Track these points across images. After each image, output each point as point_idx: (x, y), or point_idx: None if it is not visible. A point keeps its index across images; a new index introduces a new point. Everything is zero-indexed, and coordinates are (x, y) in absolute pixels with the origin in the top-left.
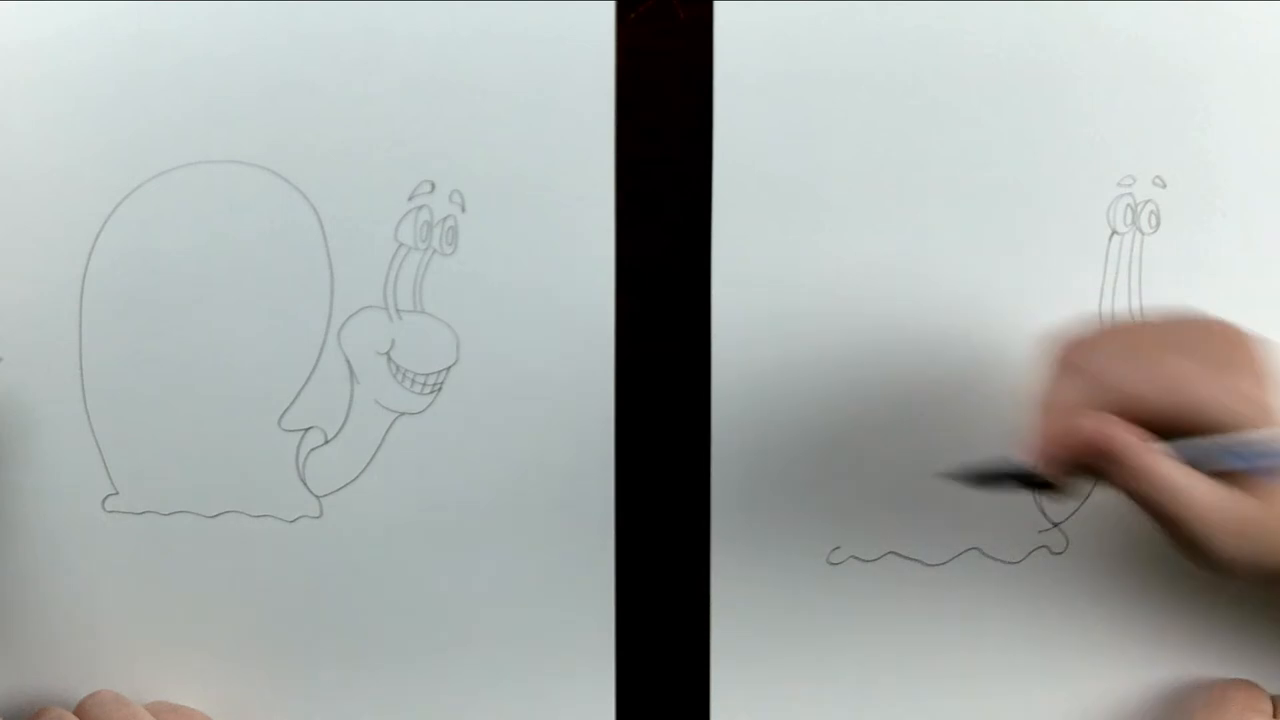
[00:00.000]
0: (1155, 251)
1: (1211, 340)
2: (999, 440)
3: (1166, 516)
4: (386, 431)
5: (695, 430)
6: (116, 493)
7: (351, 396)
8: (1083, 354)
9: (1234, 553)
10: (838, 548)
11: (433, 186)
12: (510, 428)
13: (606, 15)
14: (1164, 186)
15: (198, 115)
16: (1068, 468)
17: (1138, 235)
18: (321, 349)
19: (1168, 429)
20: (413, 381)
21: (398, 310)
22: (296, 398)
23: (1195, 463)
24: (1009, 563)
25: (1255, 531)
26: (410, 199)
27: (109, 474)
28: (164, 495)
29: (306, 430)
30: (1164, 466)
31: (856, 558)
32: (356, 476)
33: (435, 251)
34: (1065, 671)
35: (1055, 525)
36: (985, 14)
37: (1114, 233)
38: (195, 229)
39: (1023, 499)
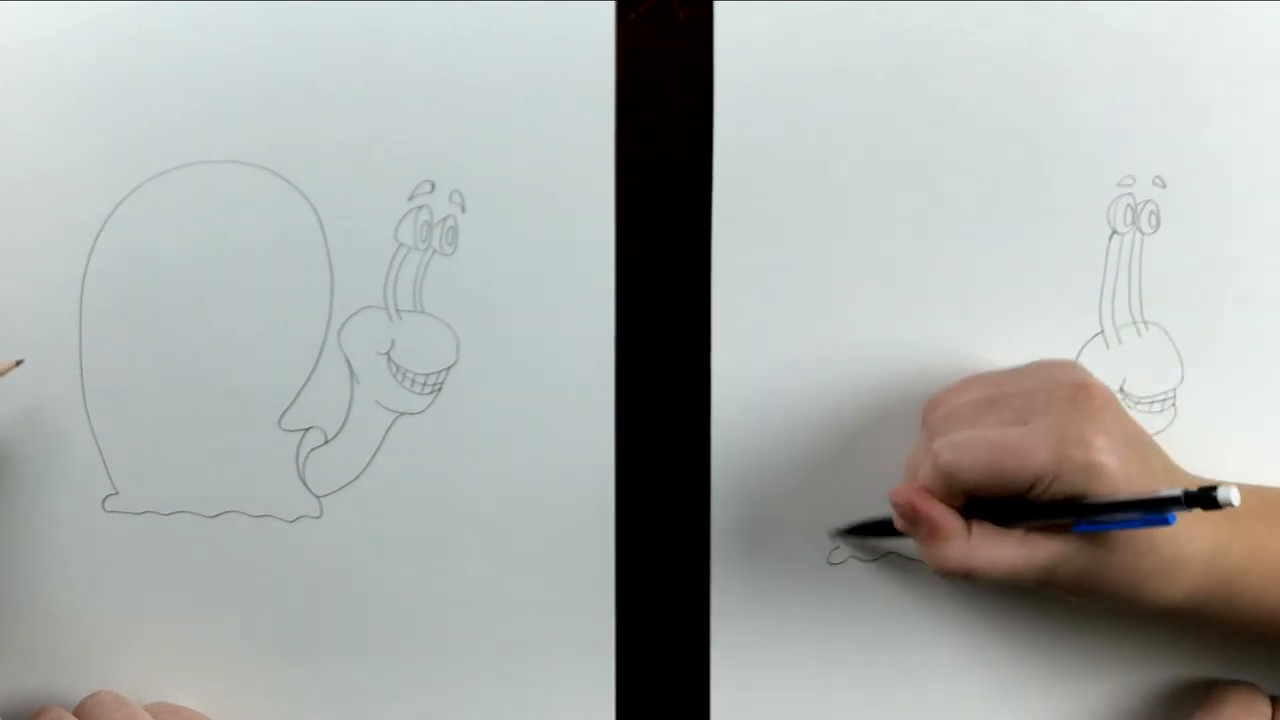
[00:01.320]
0: (1155, 251)
1: (1053, 399)
2: None
3: (974, 585)
4: (386, 431)
5: (695, 430)
6: (116, 493)
7: (351, 396)
8: (930, 414)
9: (1080, 605)
10: (838, 548)
11: (433, 186)
12: (510, 428)
13: (606, 15)
14: (1164, 186)
15: (198, 115)
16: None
17: (1138, 235)
18: (321, 349)
19: (999, 493)
20: (413, 381)
21: (398, 310)
22: (296, 398)
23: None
24: None
25: (1090, 583)
26: (410, 199)
27: (109, 474)
28: (164, 495)
29: (306, 430)
30: (952, 548)
31: (856, 558)
32: (356, 476)
33: (435, 251)
34: (1065, 671)
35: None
36: (985, 14)
37: (1114, 233)
38: (195, 229)
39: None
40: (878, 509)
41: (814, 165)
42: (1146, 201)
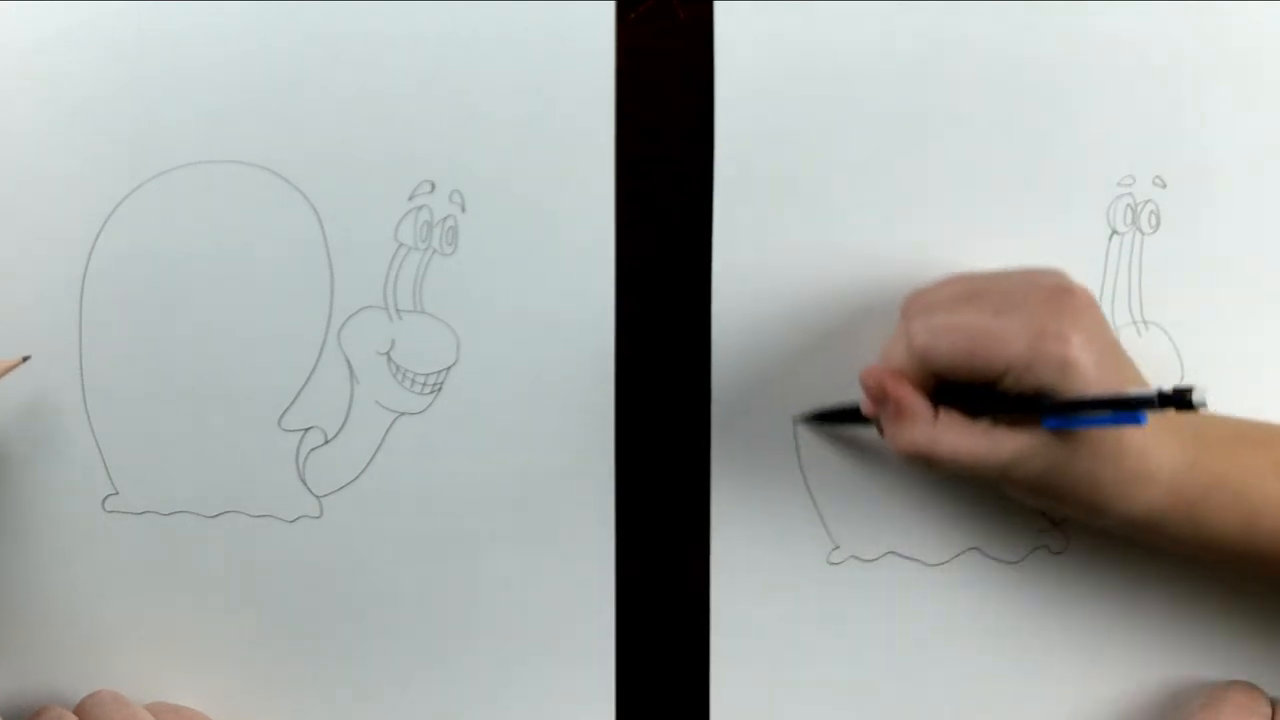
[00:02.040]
0: (1155, 251)
1: (1033, 297)
2: None
3: (936, 471)
4: (386, 431)
5: (695, 430)
6: (116, 493)
7: (351, 396)
8: (911, 304)
9: (1037, 506)
10: (838, 548)
11: (433, 186)
12: (510, 428)
13: (606, 15)
14: (1164, 186)
15: (198, 115)
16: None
17: (1138, 235)
18: (321, 349)
19: (971, 379)
20: (413, 381)
21: (398, 310)
22: (296, 398)
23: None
24: (1009, 563)
25: (1051, 484)
26: (410, 199)
27: (109, 474)
28: (164, 495)
29: (306, 430)
30: (917, 430)
31: (856, 558)
32: (356, 476)
33: (435, 251)
34: (1065, 671)
35: (1055, 525)
36: (985, 14)
37: (1114, 233)
38: (195, 229)
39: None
40: (878, 508)
41: (814, 165)
42: (1146, 201)
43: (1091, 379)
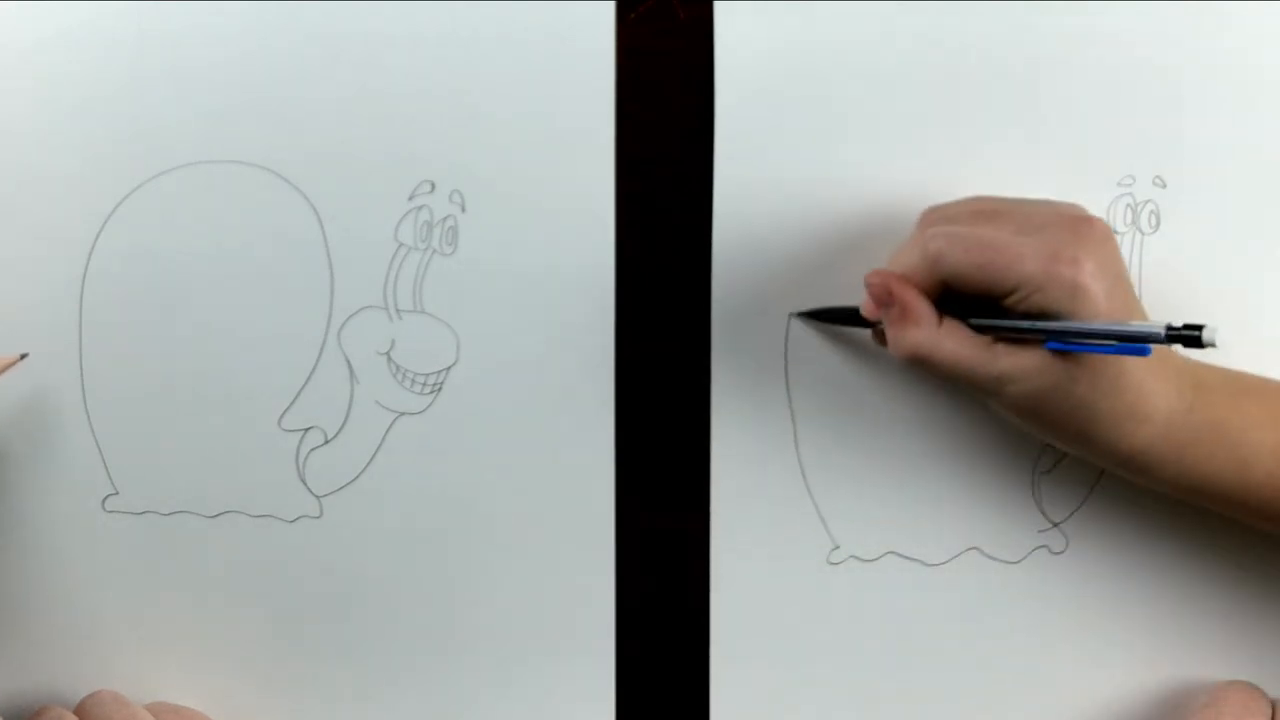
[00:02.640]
0: (1155, 251)
1: (1052, 222)
2: (997, 439)
3: (934, 376)
4: (386, 431)
5: (695, 430)
6: (116, 493)
7: (351, 396)
8: (929, 214)
9: (1025, 430)
10: (838, 548)
11: (433, 186)
12: (510, 428)
13: (606, 15)
14: (1164, 186)
15: (198, 115)
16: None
17: (1138, 235)
18: (321, 349)
19: (984, 296)
20: (413, 381)
21: (398, 310)
22: (296, 398)
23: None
24: (1009, 563)
25: (1044, 408)
26: (410, 199)
27: (109, 474)
28: (164, 495)
29: (306, 430)
30: (920, 332)
31: (856, 558)
32: (356, 476)
33: (435, 251)
34: (1065, 671)
35: (1055, 525)
36: (985, 15)
37: (1114, 232)
38: (195, 229)
39: (1022, 497)
40: (878, 508)
41: (814, 165)
42: (1146, 201)
43: (1100, 307)
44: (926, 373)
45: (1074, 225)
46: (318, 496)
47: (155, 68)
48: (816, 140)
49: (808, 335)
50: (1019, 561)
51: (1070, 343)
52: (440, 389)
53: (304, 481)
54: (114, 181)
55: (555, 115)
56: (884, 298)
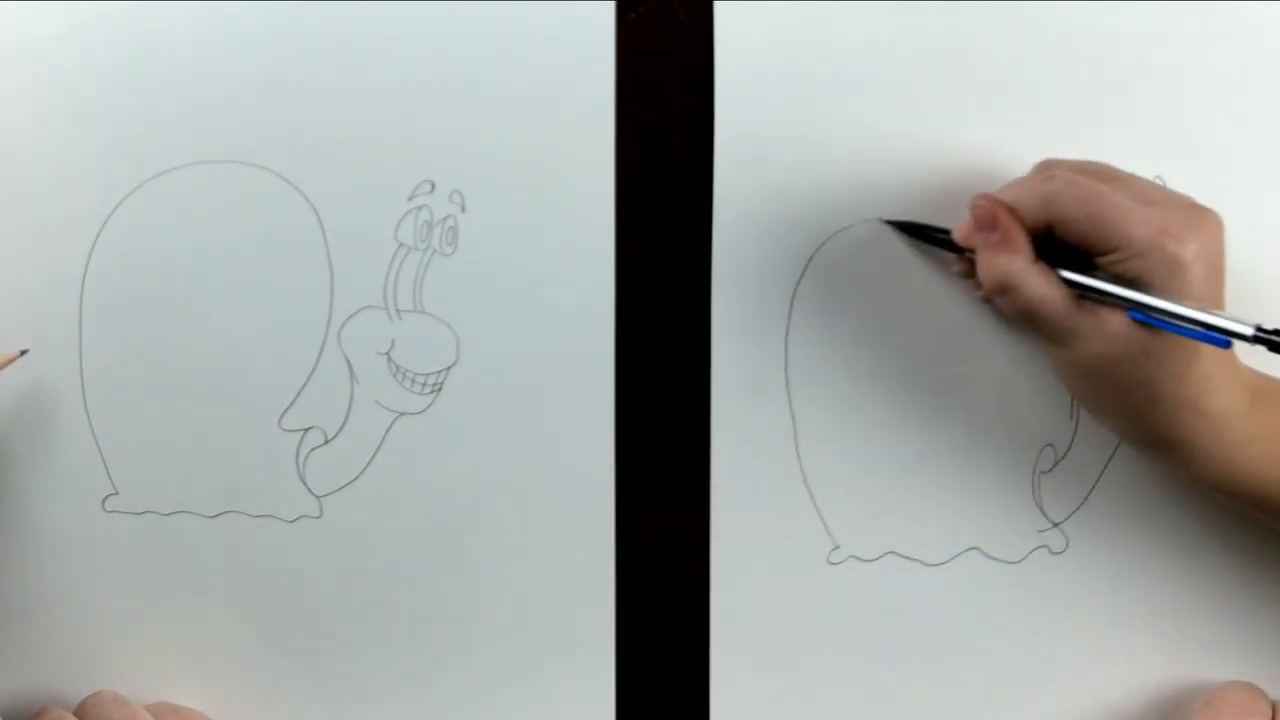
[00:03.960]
0: None
1: (1168, 200)
2: (997, 440)
3: (1011, 310)
4: (386, 431)
5: (695, 430)
6: (116, 493)
7: (351, 396)
8: (1051, 164)
9: (1078, 395)
10: (838, 548)
11: (433, 186)
12: (510, 428)
13: (606, 15)
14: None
15: (198, 115)
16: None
17: None
18: (321, 349)
19: (1080, 249)
20: (413, 381)
21: (398, 310)
22: (296, 398)
23: (1090, 293)
24: (1009, 563)
25: (1106, 373)
26: (410, 199)
27: (109, 474)
28: (164, 495)
29: (306, 430)
30: (1013, 261)
31: (856, 558)
32: (356, 476)
33: (435, 251)
34: (1065, 672)
35: (1055, 525)
36: (985, 15)
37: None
38: (195, 229)
39: (1022, 497)
40: (878, 508)
41: (814, 165)
42: None
43: (1194, 290)
44: (1003, 308)
45: (1189, 208)
46: (318, 496)
47: (155, 68)
48: (816, 140)
49: (808, 335)
50: (1019, 561)
51: (1155, 317)
52: (440, 389)
53: (304, 481)
54: (114, 181)
55: (555, 115)
56: (988, 221)
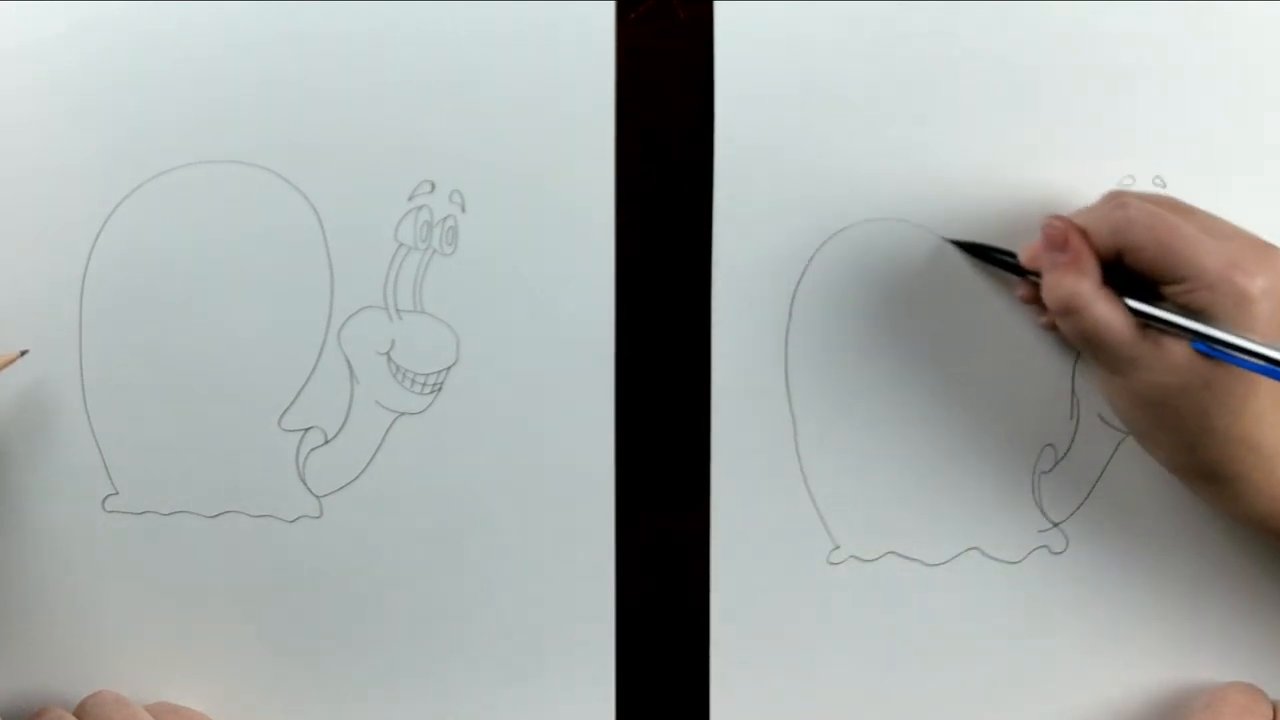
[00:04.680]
0: None
1: (1239, 236)
2: (997, 440)
3: (1074, 333)
4: (386, 431)
5: (695, 430)
6: (116, 493)
7: (351, 396)
8: (1121, 193)
9: (1129, 422)
10: (838, 548)
11: (433, 186)
12: (510, 428)
13: (606, 15)
14: (1164, 187)
15: (198, 115)
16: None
17: None
18: (321, 349)
19: (1148, 278)
20: (413, 381)
21: (398, 310)
22: (296, 398)
23: (1154, 322)
24: (1009, 563)
25: (1163, 402)
26: (410, 199)
27: (109, 474)
28: (164, 495)
29: (306, 430)
30: (1081, 283)
31: (856, 558)
32: (356, 476)
33: (435, 251)
34: (1065, 672)
35: (1055, 525)
36: (985, 14)
37: None
38: (195, 229)
39: (1022, 497)
40: (878, 508)
41: (813, 165)
42: None
43: (1260, 325)
44: (1066, 331)
45: (1260, 245)
46: (318, 496)
47: (155, 68)
48: (816, 140)
49: (808, 335)
50: (1019, 561)
51: (1218, 349)
52: (440, 389)
53: (304, 481)
54: (114, 181)
55: (555, 115)
56: (1060, 241)
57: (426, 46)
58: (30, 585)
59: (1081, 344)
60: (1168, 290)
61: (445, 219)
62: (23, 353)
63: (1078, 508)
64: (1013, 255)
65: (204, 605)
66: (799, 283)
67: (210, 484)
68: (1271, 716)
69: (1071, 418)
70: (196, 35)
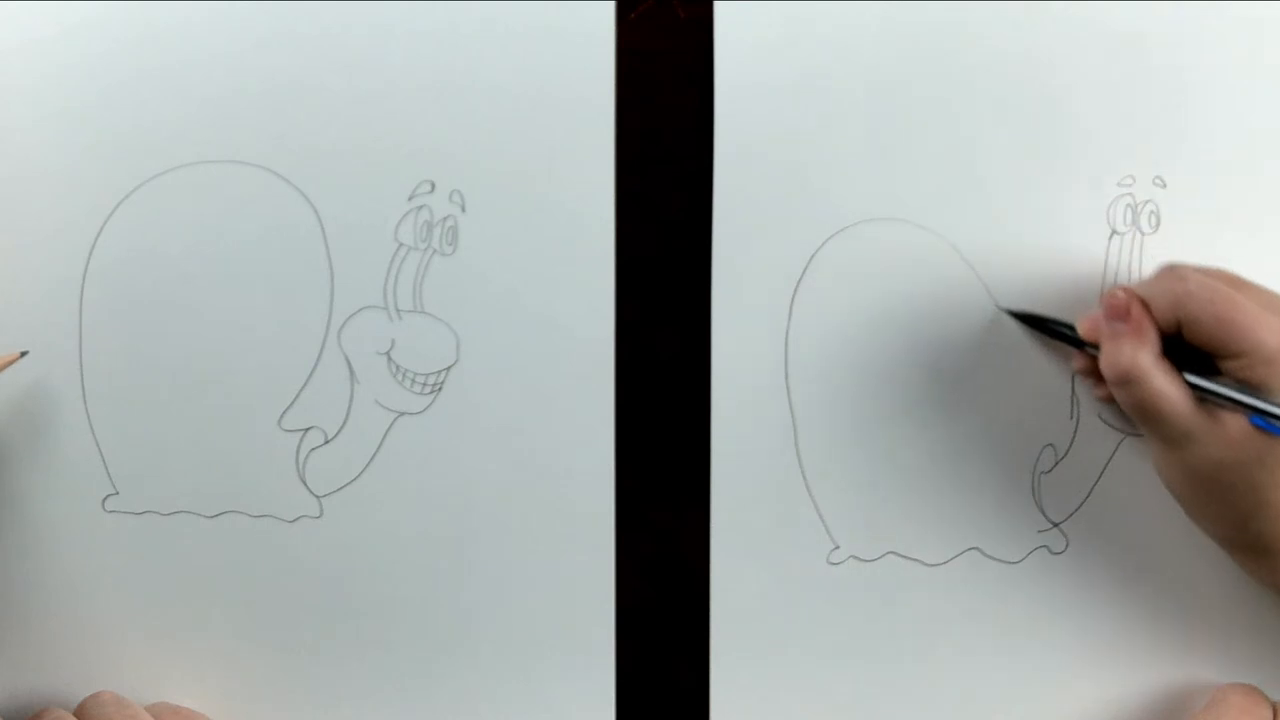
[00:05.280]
0: (1155, 251)
1: None
2: (997, 439)
3: (1132, 404)
4: (386, 431)
5: (695, 430)
6: (116, 493)
7: (351, 396)
8: (1177, 266)
9: (1182, 489)
10: (838, 548)
11: (433, 186)
12: (510, 428)
13: (606, 15)
14: (1164, 186)
15: (198, 115)
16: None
17: (1138, 235)
18: (321, 349)
19: (1205, 345)
20: (413, 381)
21: (398, 310)
22: (296, 398)
23: (1209, 395)
24: (1009, 563)
25: (1215, 475)
26: (410, 199)
27: (109, 474)
28: (164, 495)
29: (306, 430)
30: (1141, 354)
31: (856, 558)
32: (356, 476)
33: (435, 251)
34: (1065, 672)
35: (1055, 525)
36: (985, 14)
37: (1114, 233)
38: (195, 229)
39: (1022, 497)
40: (878, 508)
41: (814, 165)
42: (1146, 201)
43: None
44: (1122, 401)
45: None
46: (318, 496)
47: (155, 67)
48: (816, 140)
49: (808, 335)
50: (1019, 561)
51: (1277, 425)
52: (440, 389)
53: (304, 481)
54: (114, 181)
55: (555, 115)
56: (1122, 311)
57: (426, 46)
58: (30, 585)
59: (1138, 416)
60: (1225, 365)
61: (445, 219)
62: (23, 354)
63: (1078, 508)
64: (1070, 327)
65: (204, 605)
66: (799, 283)
67: (210, 484)
68: (1271, 718)
69: (1071, 418)
70: (196, 35)
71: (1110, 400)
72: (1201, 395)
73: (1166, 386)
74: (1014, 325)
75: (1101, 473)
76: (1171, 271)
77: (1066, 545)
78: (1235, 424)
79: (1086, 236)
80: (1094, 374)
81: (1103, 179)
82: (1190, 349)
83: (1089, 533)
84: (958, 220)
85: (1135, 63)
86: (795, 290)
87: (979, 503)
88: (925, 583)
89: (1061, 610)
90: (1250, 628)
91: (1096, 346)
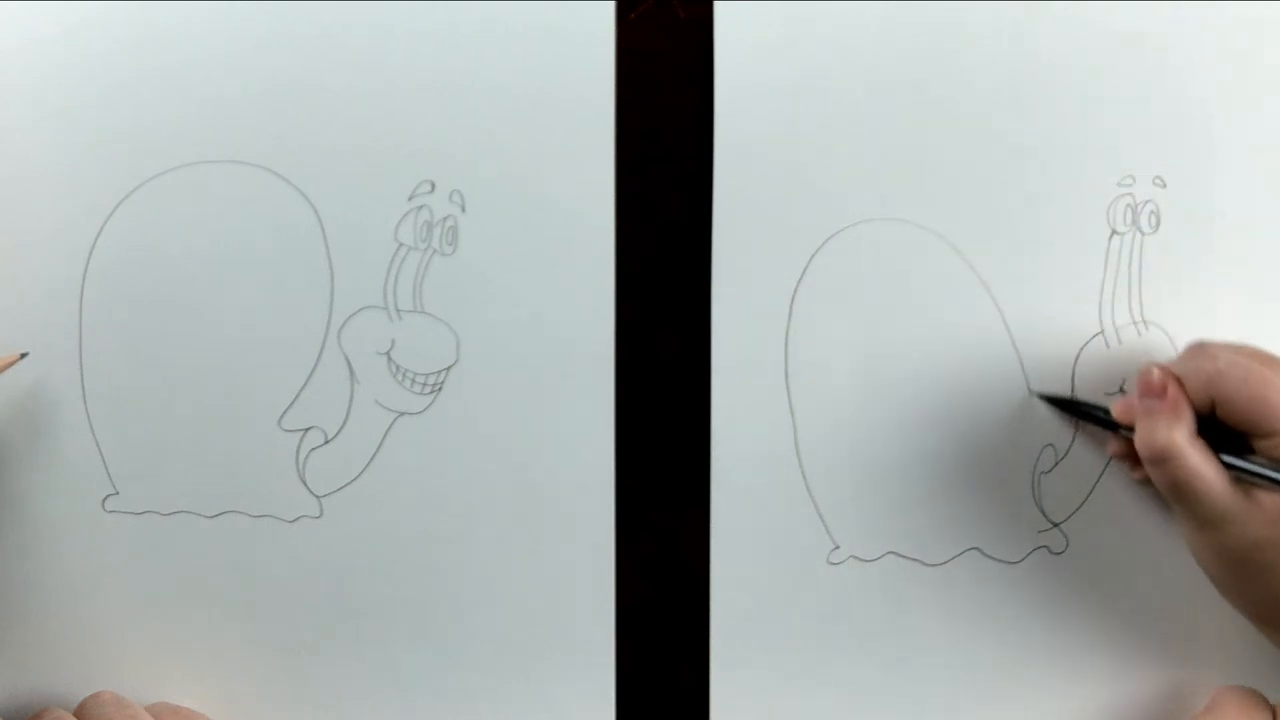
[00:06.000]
0: (1155, 251)
1: None
2: (997, 439)
3: (1167, 484)
4: (386, 431)
5: (695, 430)
6: (116, 493)
7: (351, 396)
8: (1207, 344)
9: (1216, 569)
10: (838, 548)
11: (433, 186)
12: (510, 428)
13: (606, 15)
14: (1164, 186)
15: (198, 115)
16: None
17: (1138, 235)
18: (321, 349)
19: (1238, 424)
20: (413, 381)
21: (398, 310)
22: (296, 398)
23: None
24: (1009, 563)
25: (1250, 555)
26: (410, 199)
27: (109, 474)
28: (164, 495)
29: (306, 430)
30: (1176, 432)
31: (856, 558)
32: (356, 476)
33: (435, 251)
34: (1065, 672)
35: (1055, 525)
36: (985, 14)
37: (1114, 233)
38: (195, 229)
39: (1022, 497)
40: (878, 508)
41: (813, 165)
42: (1146, 201)
43: None
44: (1157, 480)
45: None
46: (318, 496)
47: (155, 67)
48: (816, 140)
49: (808, 335)
50: (1019, 561)
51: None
52: (440, 389)
53: (304, 481)
54: (114, 181)
55: (555, 115)
56: (1159, 389)
57: (426, 46)
58: (30, 585)
59: (1174, 496)
60: (1260, 444)
61: (445, 219)
62: (23, 355)
63: (1078, 508)
64: (1105, 410)
65: (204, 605)
66: (799, 283)
67: (210, 484)
68: (1272, 719)
69: (1071, 418)
70: (196, 35)
71: (1148, 482)
72: (1237, 475)
73: (1202, 465)
74: (1015, 324)
75: (1101, 473)
76: (1202, 350)
77: (1066, 545)
78: (1272, 503)
79: (1086, 236)
80: (1130, 456)
81: (1103, 179)
82: (1223, 428)
83: (1089, 533)
84: (958, 220)
85: (1135, 63)
86: (795, 290)
87: (979, 503)
88: (925, 583)
89: (1061, 610)
90: (1250, 628)
91: (1131, 429)
